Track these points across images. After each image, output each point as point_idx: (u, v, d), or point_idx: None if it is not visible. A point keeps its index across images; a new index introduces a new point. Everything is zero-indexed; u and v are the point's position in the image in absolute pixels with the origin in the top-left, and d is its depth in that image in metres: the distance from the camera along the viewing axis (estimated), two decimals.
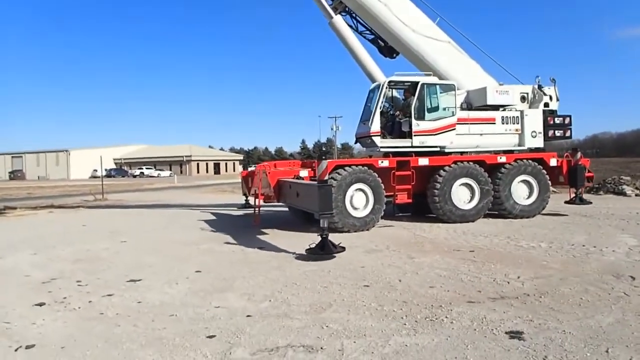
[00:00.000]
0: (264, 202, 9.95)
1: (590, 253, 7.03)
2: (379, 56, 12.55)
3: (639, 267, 6.07)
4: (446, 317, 4.38)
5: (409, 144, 10.48)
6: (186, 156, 79.30)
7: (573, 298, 4.84)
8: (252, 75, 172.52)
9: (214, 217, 13.70)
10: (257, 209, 9.92)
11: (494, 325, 4.13)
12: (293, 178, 9.40)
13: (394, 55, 12.61)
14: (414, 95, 10.54)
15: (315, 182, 7.50)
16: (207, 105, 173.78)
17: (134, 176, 70.36)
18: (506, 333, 3.93)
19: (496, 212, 11.25)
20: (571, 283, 5.41)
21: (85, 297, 5.48)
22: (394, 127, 10.70)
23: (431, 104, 10.76)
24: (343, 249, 7.18)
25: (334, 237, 8.01)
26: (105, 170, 67.80)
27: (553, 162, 11.61)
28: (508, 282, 5.55)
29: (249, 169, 13.55)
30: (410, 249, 7.79)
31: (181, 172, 75.01)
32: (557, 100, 12.19)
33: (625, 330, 3.92)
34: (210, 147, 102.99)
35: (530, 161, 11.27)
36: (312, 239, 8.95)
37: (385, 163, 10.18)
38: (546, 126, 11.63)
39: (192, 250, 8.38)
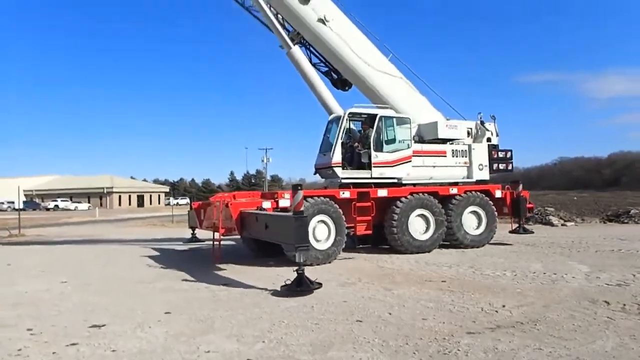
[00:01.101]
0: (223, 235, 9.45)
1: (555, 280, 7.34)
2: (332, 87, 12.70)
3: (607, 292, 6.41)
4: (458, 350, 4.28)
5: (369, 175, 10.58)
6: (107, 188, 74.79)
7: (566, 325, 4.96)
8: (175, 105, 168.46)
9: (157, 253, 12.81)
10: (218, 243, 9.39)
11: (509, 356, 4.09)
12: (256, 209, 9.06)
13: (347, 87, 12.86)
14: (372, 127, 10.72)
15: (289, 214, 7.24)
16: (127, 135, 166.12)
17: (47, 209, 64.93)
18: None
19: (447, 243, 11.56)
20: (555, 310, 5.56)
21: (45, 348, 4.75)
22: (353, 158, 10.76)
23: (388, 136, 11.01)
24: (320, 285, 6.92)
25: None
26: (13, 202, 62.05)
27: (498, 194, 12.24)
28: (496, 311, 5.61)
29: (193, 201, 12.90)
30: (382, 281, 7.70)
31: (101, 204, 70.42)
32: (497, 135, 12.98)
33: (631, 353, 4.06)
34: (132, 178, 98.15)
35: (478, 193, 11.80)
36: (275, 272, 8.71)
37: (346, 194, 10.16)
38: (491, 159, 12.30)
39: (148, 289, 7.68)
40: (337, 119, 10.96)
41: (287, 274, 8.39)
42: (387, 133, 11.01)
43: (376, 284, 7.47)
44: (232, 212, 8.91)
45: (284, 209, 9.41)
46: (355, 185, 10.57)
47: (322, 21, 11.36)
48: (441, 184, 11.98)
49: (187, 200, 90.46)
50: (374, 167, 10.59)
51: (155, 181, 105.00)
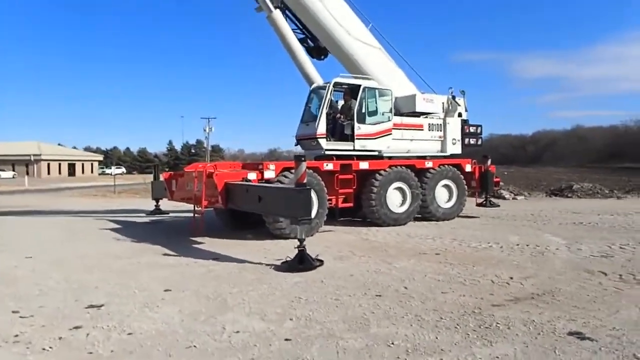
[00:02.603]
0: (206, 207, 8.96)
1: (543, 252, 7.61)
2: None
3: (596, 263, 6.73)
4: (497, 323, 4.29)
5: (352, 147, 10.42)
6: (34, 155, 69.45)
7: (583, 296, 5.11)
8: (108, 67, 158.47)
9: (118, 225, 12.02)
10: (200, 216, 8.89)
11: (548, 328, 4.14)
12: (242, 180, 8.64)
13: (322, 57, 12.49)
14: (354, 99, 10.50)
15: (291, 186, 6.94)
16: (55, 98, 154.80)
17: None
18: (570, 334, 3.97)
19: (419, 215, 11.73)
20: (562, 282, 5.74)
21: (47, 333, 4.25)
22: (335, 129, 10.52)
23: (370, 108, 10.85)
24: (321, 262, 6.72)
25: (283, 243, 8.07)
26: None
27: (468, 168, 12.54)
28: (508, 284, 5.71)
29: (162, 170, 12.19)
30: (377, 255, 7.65)
31: (27, 173, 65.21)
32: (466, 110, 13.20)
33: None
34: (59, 145, 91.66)
35: (451, 167, 12.02)
36: (261, 246, 8.55)
37: (330, 166, 9.96)
38: (463, 134, 12.52)
39: (132, 265, 7.15)
40: (319, 88, 10.64)
41: (273, 247, 8.30)
42: (369, 105, 10.85)
43: (373, 257, 7.40)
44: (216, 183, 8.44)
45: (268, 180, 9.07)
46: (338, 157, 10.38)
47: None
48: (421, 157, 12.07)
49: (123, 169, 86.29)
50: (357, 139, 10.43)
51: (87, 149, 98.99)
